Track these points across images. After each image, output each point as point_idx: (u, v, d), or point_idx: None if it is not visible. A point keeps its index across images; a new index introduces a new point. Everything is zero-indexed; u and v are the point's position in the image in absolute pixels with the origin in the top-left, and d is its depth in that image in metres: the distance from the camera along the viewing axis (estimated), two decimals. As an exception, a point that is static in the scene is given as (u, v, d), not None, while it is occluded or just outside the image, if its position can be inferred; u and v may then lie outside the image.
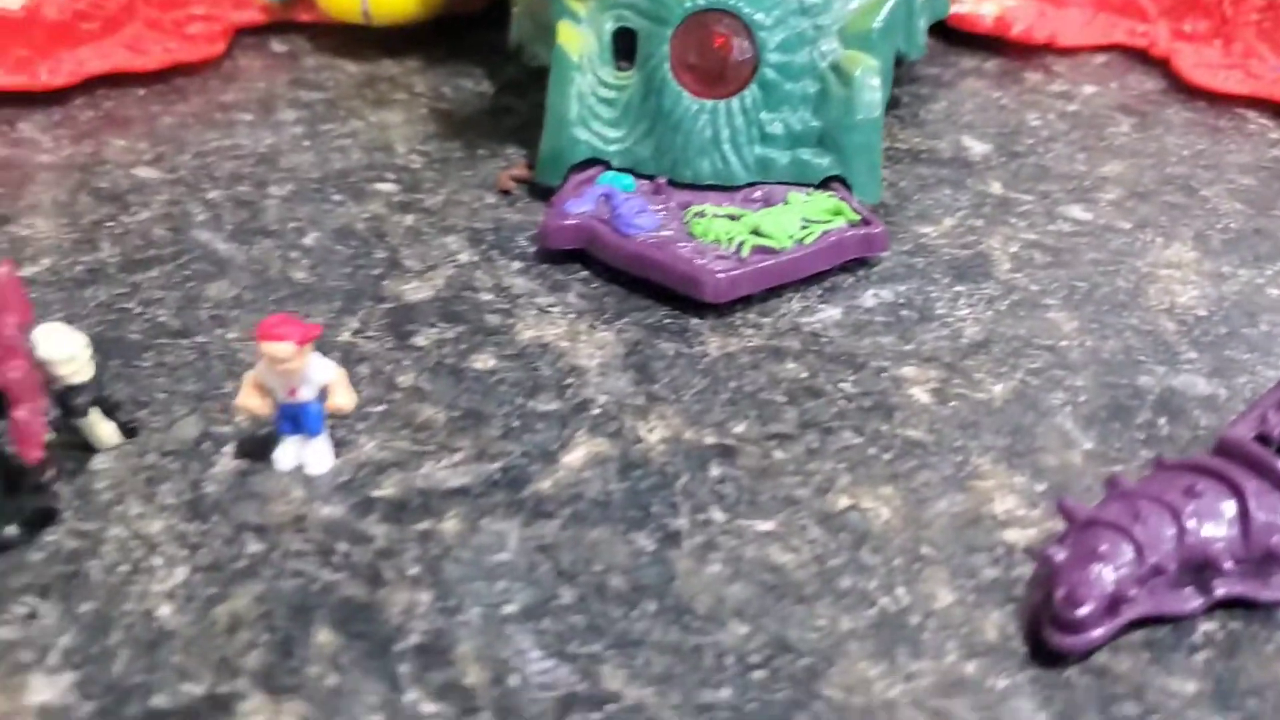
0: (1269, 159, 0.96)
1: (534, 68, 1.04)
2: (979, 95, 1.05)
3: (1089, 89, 1.05)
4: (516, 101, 1.02)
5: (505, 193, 0.90)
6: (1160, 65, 1.07)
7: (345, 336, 0.75)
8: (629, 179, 0.85)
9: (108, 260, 0.82)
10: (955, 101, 1.03)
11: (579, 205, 0.82)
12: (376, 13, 1.08)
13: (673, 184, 0.85)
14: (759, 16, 0.84)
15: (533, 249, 0.84)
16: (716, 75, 0.85)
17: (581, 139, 0.86)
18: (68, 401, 0.61)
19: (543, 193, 0.89)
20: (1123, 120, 1.01)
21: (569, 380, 0.72)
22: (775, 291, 0.79)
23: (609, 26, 0.87)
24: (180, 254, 0.83)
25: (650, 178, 0.85)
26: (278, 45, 1.11)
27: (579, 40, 0.87)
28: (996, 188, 0.91)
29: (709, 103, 0.84)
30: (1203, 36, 1.07)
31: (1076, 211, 0.89)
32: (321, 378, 0.63)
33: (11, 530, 0.60)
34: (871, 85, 0.84)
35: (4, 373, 0.57)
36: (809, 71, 0.85)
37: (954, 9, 1.09)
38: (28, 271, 0.81)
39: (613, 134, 0.87)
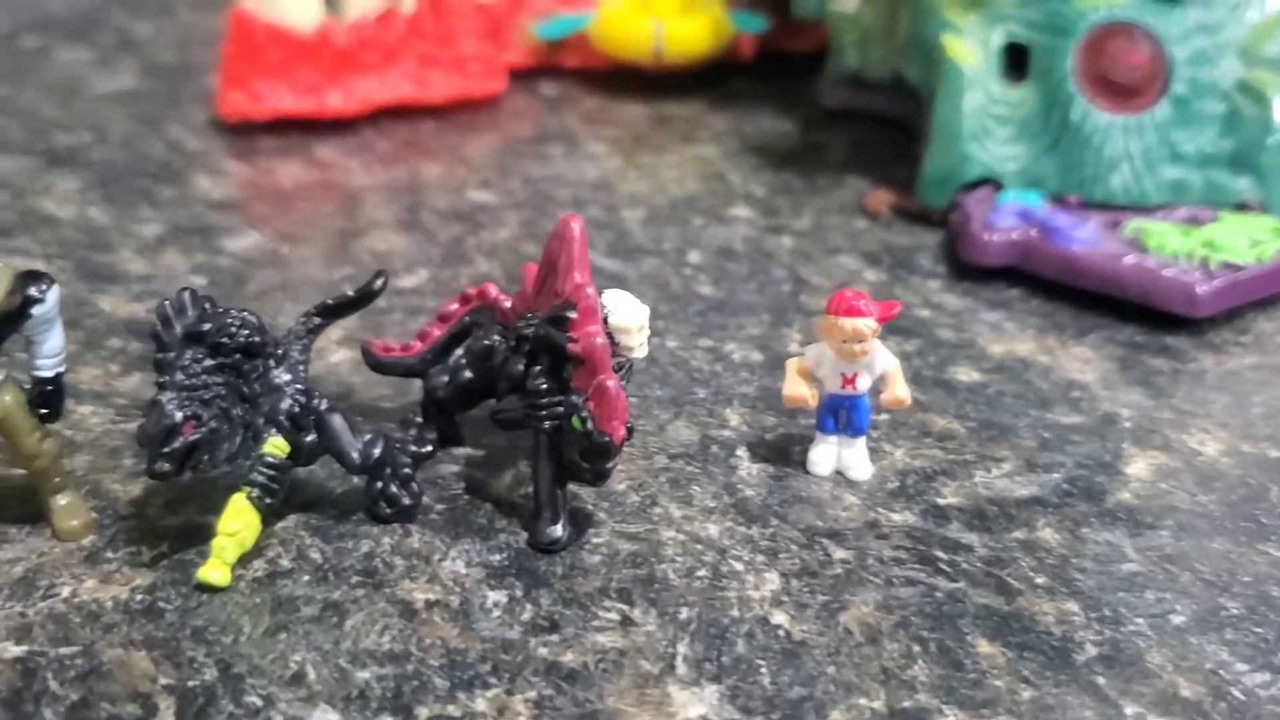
0: None
1: (830, 109, 1.00)
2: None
3: None
4: (826, 138, 0.96)
5: (874, 217, 0.84)
6: None
7: (793, 347, 0.67)
8: (1035, 196, 0.79)
9: (489, 274, 0.74)
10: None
11: (1004, 220, 0.76)
12: (669, 51, 1.02)
13: (1084, 203, 0.79)
14: (1167, 30, 0.79)
15: (940, 268, 0.77)
16: (1128, 90, 0.79)
17: (975, 156, 0.80)
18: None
19: (915, 217, 0.83)
20: None
21: (1075, 394, 0.64)
22: (1232, 312, 0.72)
23: (996, 40, 0.82)
24: (568, 268, 0.75)
25: (1052, 197, 0.79)
26: (548, 88, 1.05)
27: (969, 54, 0.81)
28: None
29: (1119, 118, 0.79)
30: None
31: None
32: (882, 365, 0.55)
33: (559, 530, 0.51)
34: (1286, 105, 0.79)
35: (587, 338, 0.48)
36: (1215, 90, 0.79)
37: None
38: (408, 282, 0.73)
39: (1007, 151, 0.80)
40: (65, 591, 0.48)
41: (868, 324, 0.53)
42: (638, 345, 0.52)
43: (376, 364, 0.59)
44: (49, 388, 0.50)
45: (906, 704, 0.44)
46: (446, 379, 0.56)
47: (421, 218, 0.81)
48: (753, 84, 1.07)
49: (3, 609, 0.47)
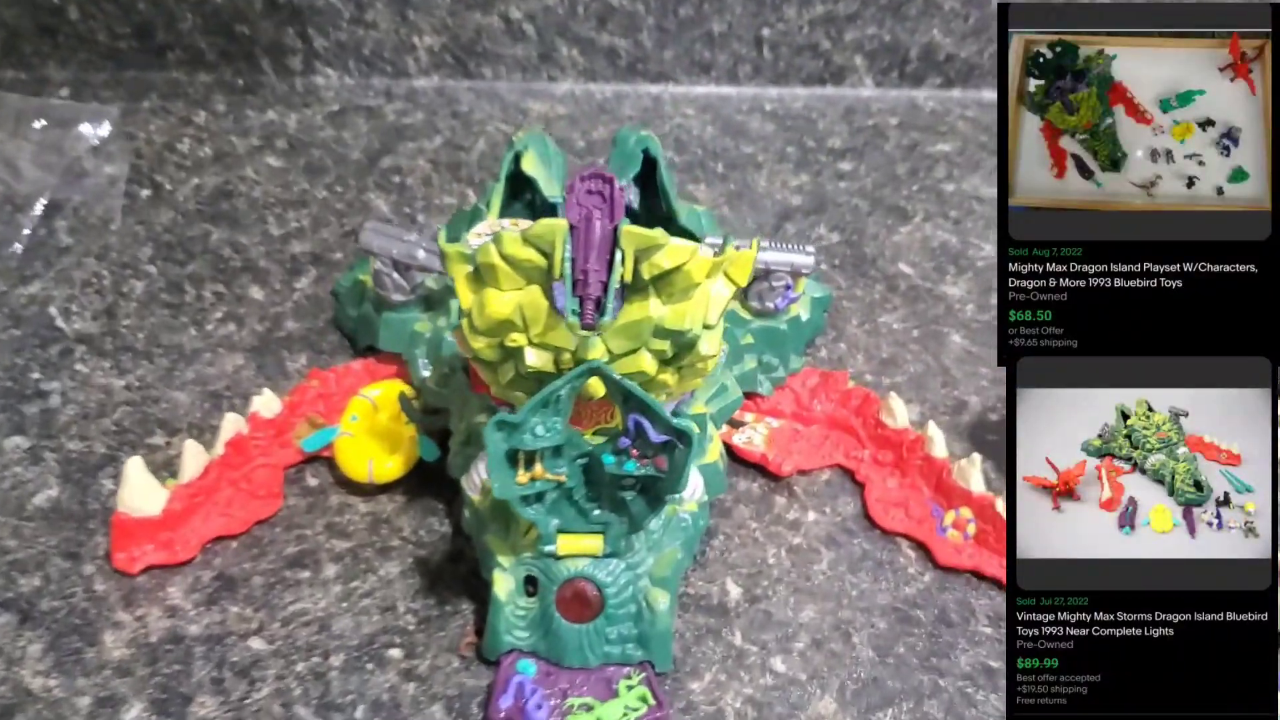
0: (902, 598, 1.25)
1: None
2: (744, 527, 1.30)
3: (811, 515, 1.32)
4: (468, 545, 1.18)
5: (463, 657, 1.14)
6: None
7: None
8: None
9: None
10: (726, 536, 1.29)
11: (506, 699, 1.08)
12: (379, 477, 1.35)
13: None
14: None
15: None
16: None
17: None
18: None
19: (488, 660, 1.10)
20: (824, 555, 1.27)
21: None
22: None
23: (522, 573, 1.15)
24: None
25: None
26: (311, 478, 1.37)
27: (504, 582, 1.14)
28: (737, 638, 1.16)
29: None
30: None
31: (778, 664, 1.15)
32: None
33: None
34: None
35: None
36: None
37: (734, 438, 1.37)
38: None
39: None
40: None
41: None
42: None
43: None
44: None
45: None
46: None
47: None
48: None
49: None
